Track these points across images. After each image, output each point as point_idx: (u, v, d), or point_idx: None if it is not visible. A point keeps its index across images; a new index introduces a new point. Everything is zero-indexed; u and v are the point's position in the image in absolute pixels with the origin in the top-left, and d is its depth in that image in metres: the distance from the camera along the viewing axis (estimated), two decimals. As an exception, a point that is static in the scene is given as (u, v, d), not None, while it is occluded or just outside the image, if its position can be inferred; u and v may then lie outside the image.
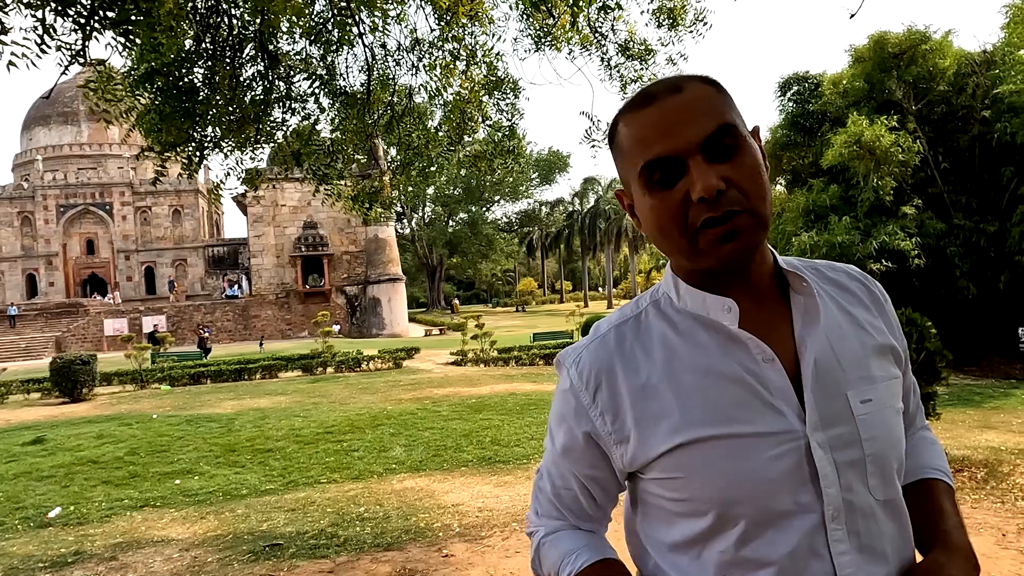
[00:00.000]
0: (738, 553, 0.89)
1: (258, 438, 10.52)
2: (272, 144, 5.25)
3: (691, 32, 5.93)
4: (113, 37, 3.70)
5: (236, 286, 45.72)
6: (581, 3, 4.67)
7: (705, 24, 5.92)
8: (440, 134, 6.55)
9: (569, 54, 5.76)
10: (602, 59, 6.22)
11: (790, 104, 19.97)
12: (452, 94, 5.62)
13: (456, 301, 61.40)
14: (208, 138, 4.94)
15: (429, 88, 5.69)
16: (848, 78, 18.67)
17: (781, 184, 21.27)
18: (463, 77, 5.48)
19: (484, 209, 65.89)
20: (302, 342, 33.39)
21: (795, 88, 19.81)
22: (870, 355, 0.96)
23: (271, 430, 11.16)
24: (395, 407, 13.06)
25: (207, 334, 29.89)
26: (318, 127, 6.26)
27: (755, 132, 0.96)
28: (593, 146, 6.38)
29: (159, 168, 4.97)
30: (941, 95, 17.86)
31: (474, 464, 8.18)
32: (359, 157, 6.93)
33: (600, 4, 5.13)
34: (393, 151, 8.71)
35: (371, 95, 5.20)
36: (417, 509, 6.17)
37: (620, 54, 6.05)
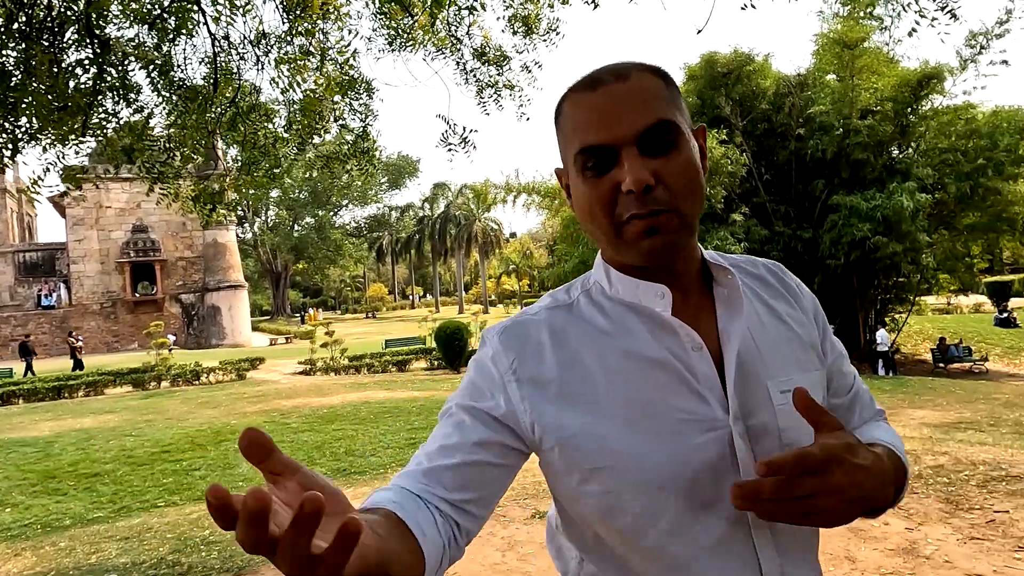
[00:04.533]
0: (664, 544, 0.89)
1: (83, 462, 9.56)
2: (100, 138, 4.76)
3: (545, 41, 6.07)
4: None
5: (53, 295, 41.44)
6: (443, 1, 4.61)
7: (558, 34, 6.07)
8: (289, 133, 6.26)
9: (427, 55, 5.70)
10: (457, 63, 6.21)
11: (631, 116, 21.00)
12: (304, 92, 5.37)
13: (313, 311, 58.78)
14: (23, 129, 4.40)
15: (279, 84, 5.41)
16: (683, 94, 19.92)
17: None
18: (317, 74, 5.26)
19: (332, 213, 64.03)
20: (132, 355, 30.85)
21: (636, 101, 20.88)
22: (790, 347, 0.98)
23: (98, 452, 10.18)
24: (240, 421, 12.34)
25: (80, 343, 26.30)
26: (152, 121, 5.79)
27: (700, 131, 0.96)
28: (450, 150, 6.35)
29: (-40, 162, 4.37)
30: (763, 113, 19.48)
31: (328, 476, 7.86)
32: (197, 156, 6.46)
33: (463, 5, 5.09)
34: (233, 150, 8.23)
35: (218, 87, 4.86)
36: (269, 528, 5.83)
37: (476, 59, 6.07)
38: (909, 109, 18.48)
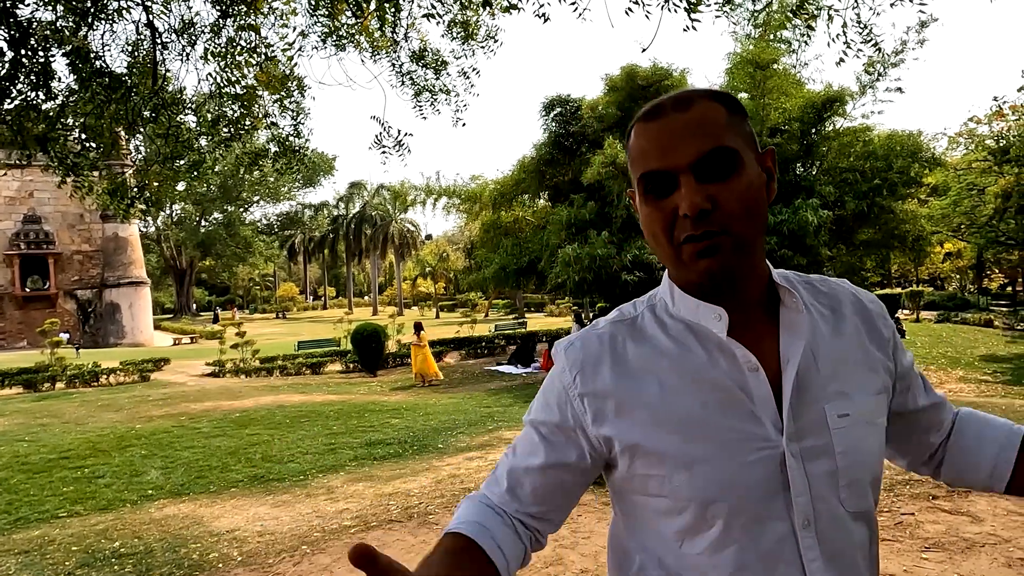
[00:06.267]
0: (713, 555, 0.93)
1: (-30, 469, 8.90)
2: (14, 126, 4.43)
3: (483, 47, 6.08)
4: None
5: (-71, 288, 38.29)
6: (399, 5, 4.54)
7: (497, 41, 6.10)
8: (214, 129, 6.03)
9: (364, 55, 5.61)
10: (394, 65, 6.14)
11: (553, 124, 21.22)
12: (241, 87, 5.19)
13: (230, 310, 56.54)
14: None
15: (213, 77, 5.21)
16: (603, 104, 20.27)
17: (544, 198, 22.54)
18: (257, 70, 5.09)
19: (241, 210, 61.79)
20: (21, 354, 28.91)
21: (558, 110, 21.09)
22: (853, 371, 1.00)
23: (-13, 459, 9.50)
24: (146, 425, 11.76)
25: None
26: (66, 109, 5.46)
27: (768, 154, 1.00)
28: (383, 152, 6.27)
29: None
30: (680, 127, 20.07)
31: (245, 484, 7.61)
32: (115, 148, 6.13)
33: (418, 14, 5.03)
34: (138, 140, 7.84)
35: (156, 79, 4.63)
36: (186, 539, 5.58)
37: (414, 62, 6.02)
38: (813, 130, 19.46)
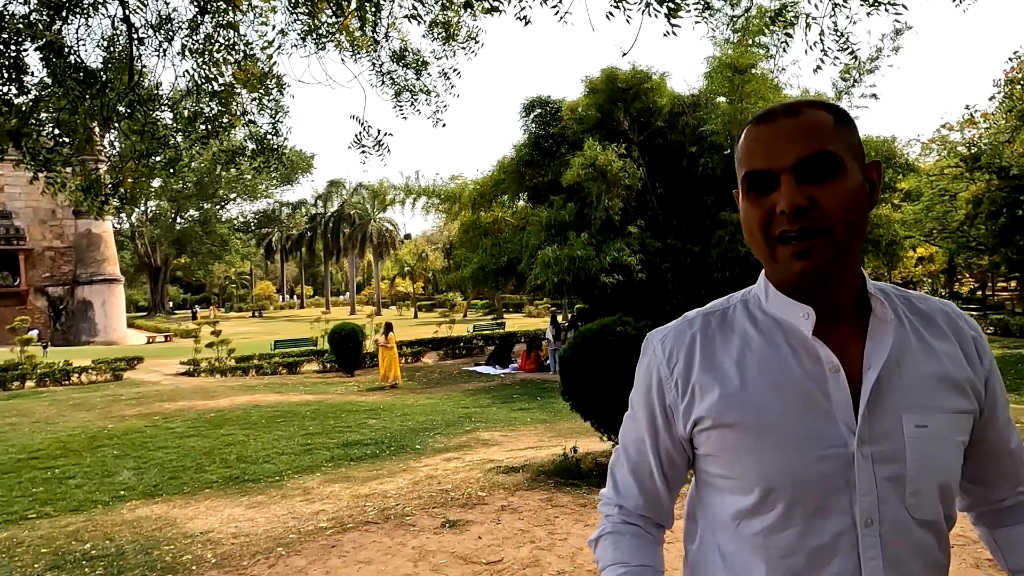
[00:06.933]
0: (768, 537, 0.98)
1: (-63, 470, 8.71)
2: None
3: (464, 48, 6.08)
4: None
5: None
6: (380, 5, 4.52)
7: (477, 42, 6.09)
8: (192, 126, 5.96)
9: (344, 54, 5.58)
10: (374, 65, 6.12)
11: (533, 125, 21.23)
12: (220, 85, 5.14)
13: (212, 309, 56.07)
14: None
15: (190, 74, 5.15)
16: (583, 106, 20.32)
17: (524, 199, 22.55)
18: (235, 67, 5.04)
19: (218, 207, 61.10)
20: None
21: (538, 111, 21.11)
22: (938, 385, 1.00)
23: (-46, 459, 9.31)
24: (118, 425, 11.60)
25: None
26: (40, 104, 5.37)
27: (873, 166, 1.03)
28: (363, 151, 6.24)
29: None
30: (659, 130, 20.18)
31: (220, 485, 7.53)
32: (89, 144, 6.04)
33: (400, 15, 5.02)
34: (111, 138, 7.74)
35: (133, 76, 4.56)
36: (159, 541, 5.51)
37: (394, 62, 6.00)
38: (791, 134, 19.62)
